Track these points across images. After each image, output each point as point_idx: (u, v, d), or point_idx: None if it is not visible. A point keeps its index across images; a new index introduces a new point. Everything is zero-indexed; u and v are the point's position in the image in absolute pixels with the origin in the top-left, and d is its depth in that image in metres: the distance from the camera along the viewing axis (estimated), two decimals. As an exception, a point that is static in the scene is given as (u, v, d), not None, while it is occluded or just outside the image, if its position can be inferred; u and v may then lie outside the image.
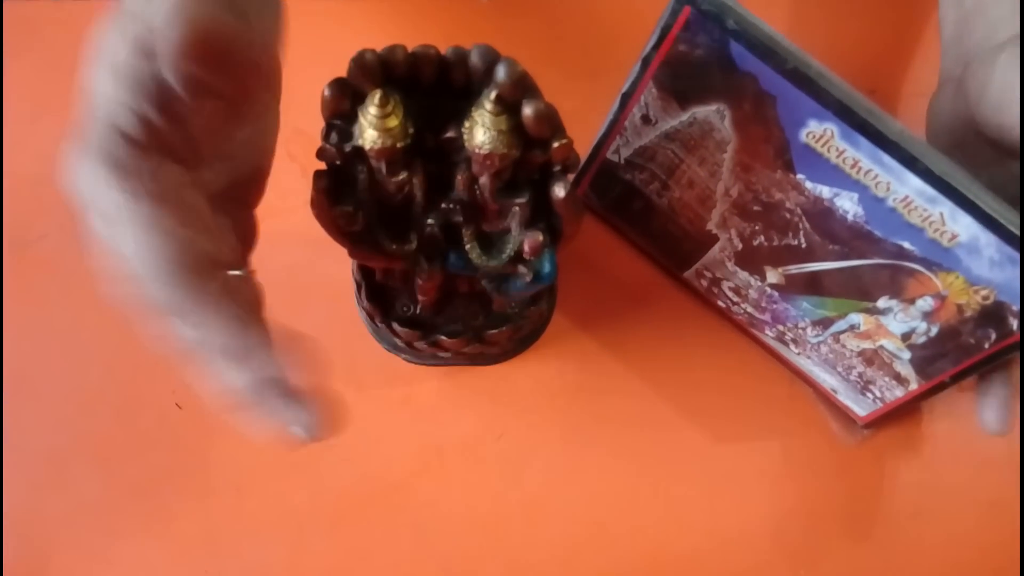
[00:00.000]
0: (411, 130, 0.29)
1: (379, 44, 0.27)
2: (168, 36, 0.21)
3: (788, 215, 0.34)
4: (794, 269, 0.36)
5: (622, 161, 0.38)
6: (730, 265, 0.39)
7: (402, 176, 0.30)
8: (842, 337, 0.37)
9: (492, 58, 0.26)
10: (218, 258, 0.24)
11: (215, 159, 0.26)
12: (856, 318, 0.36)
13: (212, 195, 0.27)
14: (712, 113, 0.33)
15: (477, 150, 0.28)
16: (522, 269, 0.33)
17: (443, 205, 0.32)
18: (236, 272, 0.28)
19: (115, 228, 0.22)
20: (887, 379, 0.37)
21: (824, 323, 0.37)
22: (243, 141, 0.28)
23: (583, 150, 0.39)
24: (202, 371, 0.23)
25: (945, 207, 0.29)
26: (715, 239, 0.38)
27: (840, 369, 0.39)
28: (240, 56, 0.23)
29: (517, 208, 0.31)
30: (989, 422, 0.34)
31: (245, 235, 0.29)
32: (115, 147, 0.22)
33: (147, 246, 0.22)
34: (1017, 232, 0.28)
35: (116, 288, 0.22)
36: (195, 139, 0.24)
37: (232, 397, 0.23)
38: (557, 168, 0.29)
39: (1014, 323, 0.31)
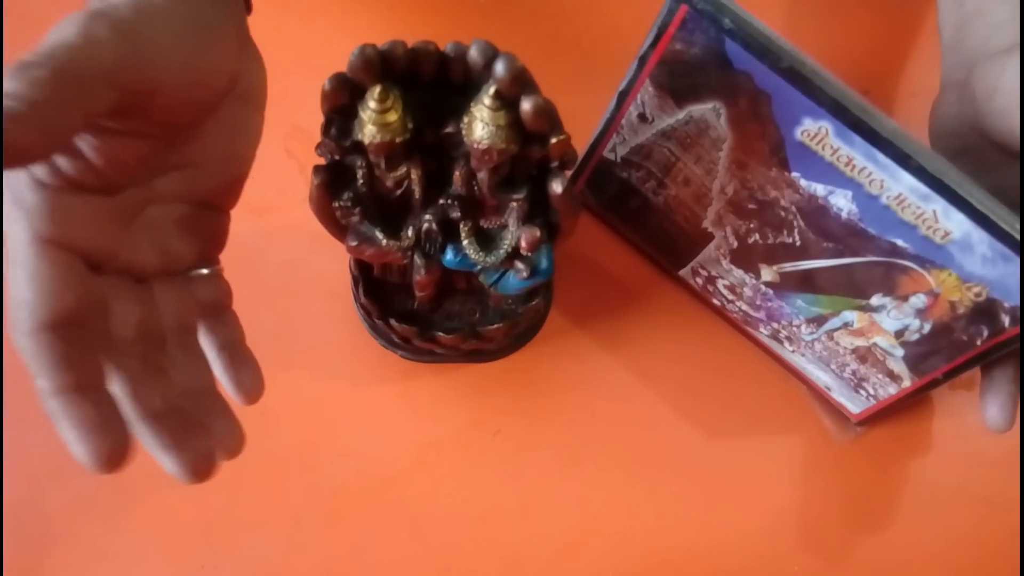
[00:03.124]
0: (410, 125, 0.29)
1: (378, 41, 0.27)
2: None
3: (783, 213, 0.34)
4: (788, 267, 0.37)
5: (619, 159, 0.39)
6: (725, 263, 0.39)
7: (400, 171, 0.31)
8: (836, 335, 0.38)
9: (491, 54, 0.26)
10: (88, 301, 0.23)
11: (169, 169, 0.26)
12: (850, 315, 0.36)
13: (170, 201, 0.27)
14: (708, 111, 0.33)
15: (476, 145, 0.28)
16: (519, 264, 0.33)
17: (441, 200, 0.32)
18: (204, 271, 0.29)
19: (11, 262, 0.23)
20: (880, 376, 0.38)
21: (818, 321, 0.38)
22: (214, 151, 0.27)
23: (580, 149, 0.39)
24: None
25: (938, 204, 0.30)
26: (710, 237, 0.38)
27: (834, 367, 0.39)
28: (148, 102, 0.23)
29: (515, 204, 0.31)
30: (992, 417, 0.33)
31: (215, 237, 0.30)
32: (21, 185, 0.23)
33: (17, 290, 0.22)
34: (1007, 229, 0.29)
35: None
36: (113, 172, 0.24)
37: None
38: (555, 164, 0.30)
39: (1006, 320, 0.31)
